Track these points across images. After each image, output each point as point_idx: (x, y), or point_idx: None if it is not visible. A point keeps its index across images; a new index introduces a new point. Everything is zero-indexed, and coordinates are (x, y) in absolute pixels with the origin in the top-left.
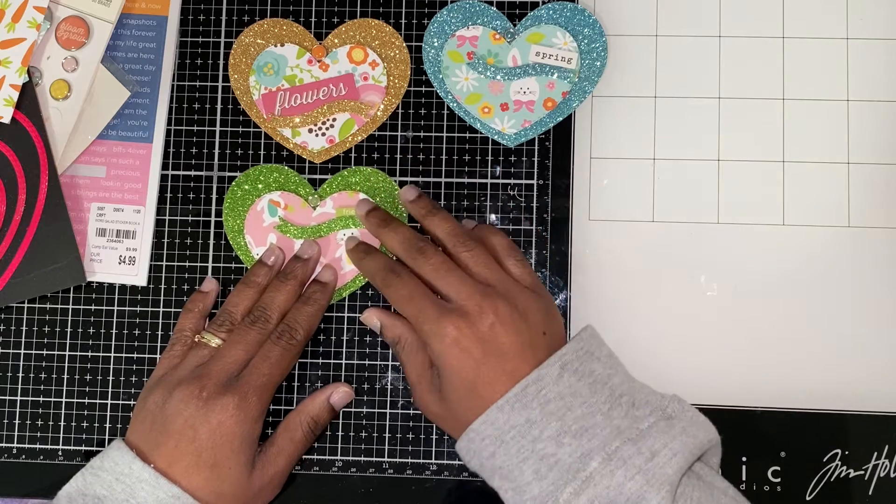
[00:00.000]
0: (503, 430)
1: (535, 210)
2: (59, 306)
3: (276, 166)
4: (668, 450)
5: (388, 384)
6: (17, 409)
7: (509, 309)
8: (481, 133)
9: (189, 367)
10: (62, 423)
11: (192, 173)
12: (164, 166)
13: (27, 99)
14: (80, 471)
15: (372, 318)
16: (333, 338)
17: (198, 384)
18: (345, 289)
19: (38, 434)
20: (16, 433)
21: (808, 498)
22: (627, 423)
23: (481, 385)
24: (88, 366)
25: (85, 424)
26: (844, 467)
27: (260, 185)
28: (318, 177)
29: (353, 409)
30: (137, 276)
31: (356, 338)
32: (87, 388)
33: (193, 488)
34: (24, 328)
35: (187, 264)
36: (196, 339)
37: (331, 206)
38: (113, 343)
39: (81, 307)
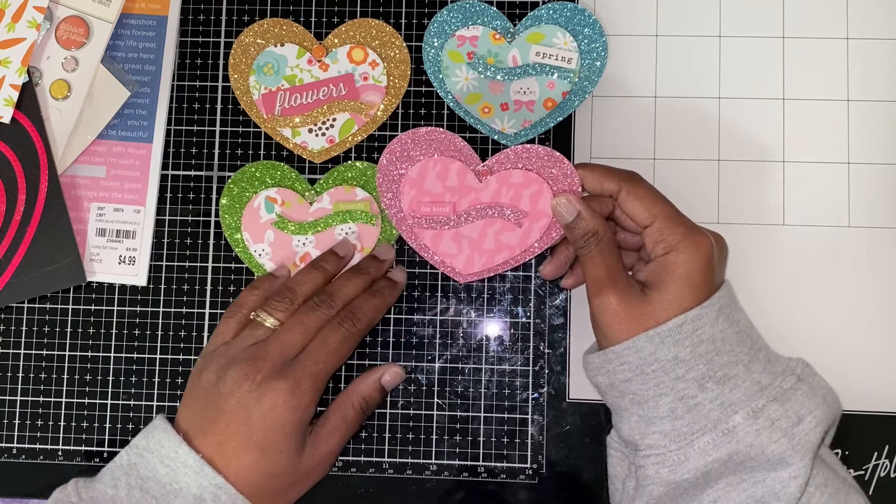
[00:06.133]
0: (646, 361)
1: None
2: (59, 306)
3: (272, 163)
4: (812, 417)
5: None
6: (17, 409)
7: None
8: (481, 133)
9: (243, 346)
10: (62, 423)
11: (192, 173)
12: (164, 166)
13: (27, 99)
14: (124, 449)
15: (569, 205)
16: None
17: (253, 366)
18: None
19: (38, 434)
20: (16, 433)
21: None
22: (767, 379)
23: (704, 291)
24: (88, 366)
25: (85, 424)
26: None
27: (256, 182)
28: (318, 177)
29: None
30: (137, 276)
31: None
32: (87, 388)
33: (242, 469)
34: (24, 328)
35: (187, 264)
36: (252, 317)
37: (328, 201)
38: (113, 343)
39: (81, 307)
